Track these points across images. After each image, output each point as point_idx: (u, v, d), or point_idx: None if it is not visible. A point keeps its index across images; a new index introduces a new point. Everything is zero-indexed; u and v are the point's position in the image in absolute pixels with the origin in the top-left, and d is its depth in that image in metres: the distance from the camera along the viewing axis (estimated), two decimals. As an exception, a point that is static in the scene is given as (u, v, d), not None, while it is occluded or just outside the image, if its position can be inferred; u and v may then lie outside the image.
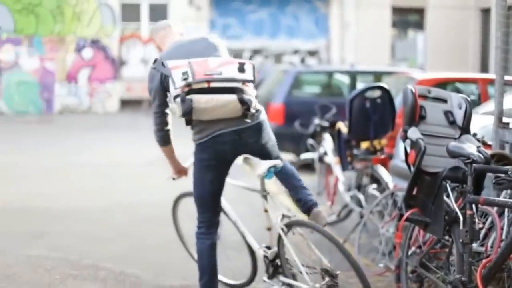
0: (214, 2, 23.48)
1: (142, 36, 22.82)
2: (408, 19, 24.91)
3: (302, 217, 5.00)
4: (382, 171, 6.83)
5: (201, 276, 4.85)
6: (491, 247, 4.51)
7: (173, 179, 5.36)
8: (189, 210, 5.32)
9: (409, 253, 4.88)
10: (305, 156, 8.96)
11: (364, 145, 6.92)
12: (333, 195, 7.91)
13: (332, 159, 8.10)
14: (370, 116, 6.80)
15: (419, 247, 4.82)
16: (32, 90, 21.95)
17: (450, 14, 23.88)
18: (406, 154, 4.55)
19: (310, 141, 8.95)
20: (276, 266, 4.86)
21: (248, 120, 4.53)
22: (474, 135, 4.72)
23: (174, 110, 4.43)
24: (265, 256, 4.89)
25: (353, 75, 12.57)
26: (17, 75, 21.86)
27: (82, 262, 6.32)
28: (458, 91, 9.02)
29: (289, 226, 4.69)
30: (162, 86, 4.66)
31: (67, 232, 7.55)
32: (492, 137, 5.53)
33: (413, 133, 4.44)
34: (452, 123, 4.62)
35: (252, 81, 4.50)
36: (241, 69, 4.45)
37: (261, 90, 12.56)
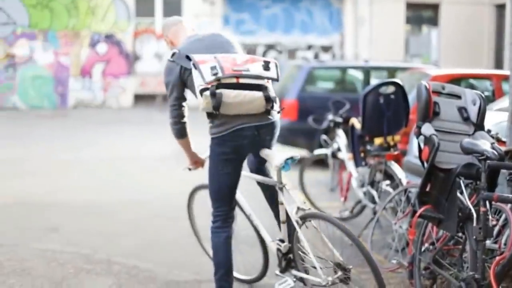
0: (227, -3, 23.50)
1: (156, 31, 22.85)
2: (422, 15, 24.81)
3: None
4: (395, 167, 6.81)
5: (217, 271, 4.84)
6: (505, 244, 4.50)
7: (189, 169, 5.37)
8: (205, 203, 5.33)
9: (422, 249, 4.86)
10: (318, 152, 8.93)
11: (378, 141, 6.90)
12: (346, 191, 7.90)
13: (345, 155, 8.08)
14: (383, 112, 6.78)
15: (432, 243, 4.81)
16: (47, 85, 22.04)
17: (464, 9, 23.77)
18: (420, 150, 4.54)
19: (324, 137, 8.94)
20: (289, 260, 4.86)
21: (270, 117, 4.65)
22: (488, 131, 4.70)
23: (198, 102, 4.45)
24: (279, 250, 4.88)
25: (367, 71, 12.53)
26: (32, 70, 21.95)
27: (95, 256, 6.34)
28: (472, 87, 8.99)
29: (304, 218, 4.66)
30: (180, 79, 4.72)
31: (81, 226, 7.58)
32: (506, 134, 5.50)
33: (427, 129, 4.43)
34: (466, 119, 4.61)
35: (277, 80, 4.61)
36: (266, 67, 4.55)
37: (274, 86, 12.49)
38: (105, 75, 22.50)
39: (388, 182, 6.88)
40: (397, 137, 6.92)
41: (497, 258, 4.13)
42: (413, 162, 6.92)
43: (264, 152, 4.76)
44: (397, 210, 6.15)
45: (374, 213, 6.82)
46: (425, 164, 4.43)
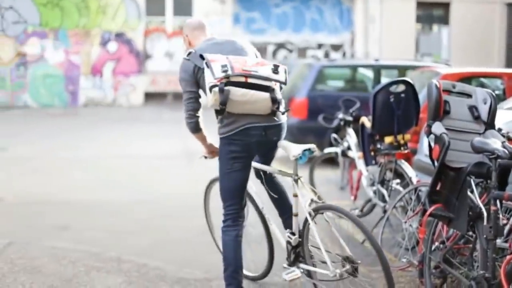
0: (238, -4, 23.52)
1: (166, 30, 22.88)
2: (432, 13, 24.76)
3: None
4: (405, 166, 6.80)
5: (226, 268, 4.90)
6: (515, 243, 4.49)
7: (205, 157, 5.46)
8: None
9: (433, 248, 4.85)
10: (328, 150, 8.92)
11: (388, 139, 6.88)
12: (356, 190, 7.89)
13: (355, 153, 8.08)
14: (394, 110, 6.77)
15: (443, 242, 4.80)
16: (58, 83, 22.13)
17: (475, 8, 23.70)
18: (430, 149, 4.54)
19: (334, 135, 8.93)
20: (298, 254, 4.92)
21: (276, 119, 4.78)
22: (499, 130, 4.69)
23: (207, 99, 4.61)
24: (289, 242, 4.94)
25: (377, 70, 12.50)
26: (43, 68, 22.03)
27: (106, 254, 6.35)
28: (483, 85, 8.97)
29: (317, 210, 4.73)
30: (194, 78, 4.85)
31: (91, 224, 7.61)
32: (517, 133, 5.48)
33: (437, 128, 4.42)
34: (477, 118, 4.60)
35: (284, 83, 4.75)
36: (275, 70, 4.70)
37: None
38: (115, 74, 22.55)
39: (398, 180, 6.88)
40: (407, 136, 6.90)
41: (508, 257, 4.11)
42: (423, 160, 6.91)
43: (282, 144, 4.88)
44: (407, 208, 6.14)
45: (384, 211, 6.81)
46: (436, 163, 4.42)
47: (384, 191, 7.01)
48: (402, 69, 12.65)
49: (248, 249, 5.41)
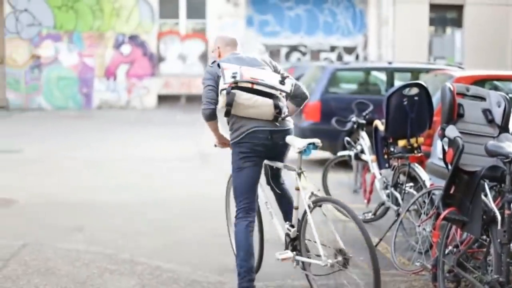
0: (251, -1, 23.53)
1: (180, 33, 22.92)
2: (446, 16, 24.68)
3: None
4: (419, 169, 6.78)
5: (237, 254, 5.16)
6: (530, 247, 4.47)
7: (215, 146, 5.74)
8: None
9: (446, 252, 4.84)
10: (341, 153, 8.91)
11: (401, 143, 6.86)
12: (370, 193, 7.88)
13: (368, 156, 8.06)
14: (407, 113, 6.75)
15: (456, 246, 4.79)
16: (72, 86, 22.20)
17: (488, 11, 23.61)
18: (444, 152, 4.53)
19: (347, 138, 8.91)
20: (295, 247, 5.19)
21: (278, 124, 5.14)
22: (513, 133, 4.67)
23: (219, 102, 5.08)
24: (287, 234, 5.23)
25: (391, 72, 12.47)
26: (57, 71, 22.12)
27: (119, 256, 6.38)
28: (496, 89, 8.94)
29: (316, 202, 5.00)
30: (216, 80, 5.24)
31: (105, 226, 7.63)
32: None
33: (451, 131, 4.41)
34: (491, 121, 4.59)
35: (289, 94, 5.20)
36: (282, 82, 5.14)
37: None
38: (129, 76, 22.61)
39: (411, 184, 6.86)
40: (421, 139, 6.88)
41: (522, 261, 4.11)
42: (436, 164, 6.89)
43: (287, 138, 5.16)
44: (420, 212, 6.13)
45: (398, 215, 6.80)
46: (449, 166, 4.41)
47: (398, 195, 6.99)
48: (416, 72, 12.61)
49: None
